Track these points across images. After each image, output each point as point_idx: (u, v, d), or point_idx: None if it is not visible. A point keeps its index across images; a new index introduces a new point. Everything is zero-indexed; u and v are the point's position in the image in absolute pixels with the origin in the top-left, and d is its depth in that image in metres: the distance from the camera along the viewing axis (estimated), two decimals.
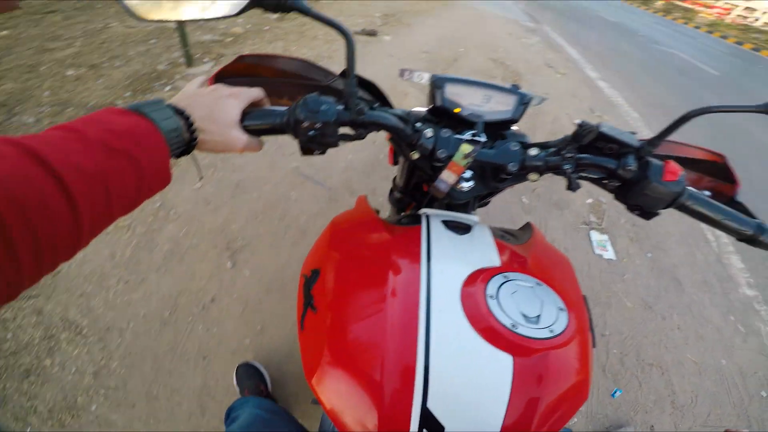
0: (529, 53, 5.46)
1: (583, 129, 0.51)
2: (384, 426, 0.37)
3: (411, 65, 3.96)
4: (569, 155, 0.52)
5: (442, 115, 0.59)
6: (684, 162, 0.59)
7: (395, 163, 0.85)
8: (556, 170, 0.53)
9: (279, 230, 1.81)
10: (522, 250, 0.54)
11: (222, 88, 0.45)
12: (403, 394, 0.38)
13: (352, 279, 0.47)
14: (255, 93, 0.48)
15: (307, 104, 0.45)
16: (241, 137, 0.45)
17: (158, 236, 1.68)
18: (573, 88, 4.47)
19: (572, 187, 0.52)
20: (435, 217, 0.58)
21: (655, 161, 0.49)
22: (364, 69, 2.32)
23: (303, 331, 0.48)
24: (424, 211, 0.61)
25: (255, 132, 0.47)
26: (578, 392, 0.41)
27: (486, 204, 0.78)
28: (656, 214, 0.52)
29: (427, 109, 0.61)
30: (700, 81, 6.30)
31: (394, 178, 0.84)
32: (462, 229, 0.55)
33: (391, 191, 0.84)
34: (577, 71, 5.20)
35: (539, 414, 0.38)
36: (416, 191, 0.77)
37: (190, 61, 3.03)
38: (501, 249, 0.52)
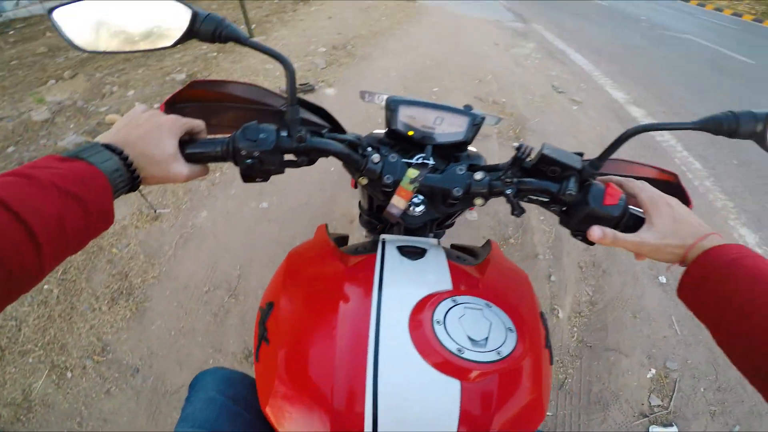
0: (527, 73, 4.15)
1: (522, 152, 0.50)
2: None
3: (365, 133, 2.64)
4: (509, 180, 0.51)
5: (398, 137, 0.61)
6: None
7: (356, 187, 0.81)
8: (500, 195, 0.52)
9: None
10: (476, 271, 0.55)
11: (156, 116, 0.44)
12: (353, 422, 0.38)
13: (304, 310, 0.48)
14: (193, 123, 0.48)
15: (245, 133, 0.46)
16: (182, 169, 0.45)
17: None
18: (601, 125, 3.17)
19: (515, 212, 0.51)
20: (391, 242, 0.57)
21: (596, 184, 0.48)
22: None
23: (258, 362, 0.48)
24: (383, 236, 0.60)
25: (198, 160, 0.47)
26: (533, 411, 0.43)
27: (450, 226, 0.77)
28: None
29: (384, 131, 0.64)
30: (739, 76, 4.99)
31: (359, 202, 0.83)
32: (417, 254, 0.54)
33: (360, 215, 0.83)
34: (595, 92, 3.88)
35: None
36: (381, 213, 0.74)
37: None
38: (454, 272, 0.51)
